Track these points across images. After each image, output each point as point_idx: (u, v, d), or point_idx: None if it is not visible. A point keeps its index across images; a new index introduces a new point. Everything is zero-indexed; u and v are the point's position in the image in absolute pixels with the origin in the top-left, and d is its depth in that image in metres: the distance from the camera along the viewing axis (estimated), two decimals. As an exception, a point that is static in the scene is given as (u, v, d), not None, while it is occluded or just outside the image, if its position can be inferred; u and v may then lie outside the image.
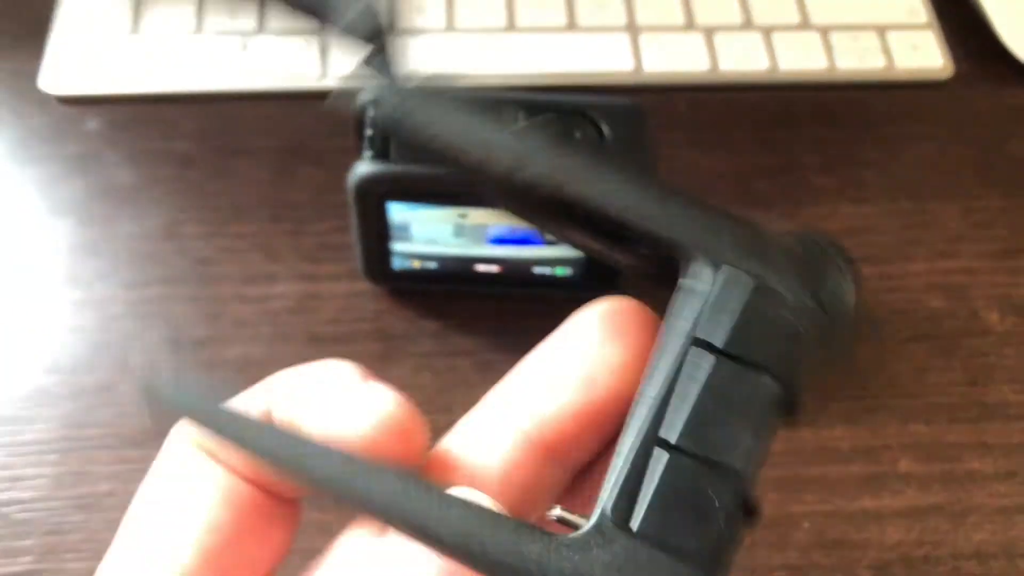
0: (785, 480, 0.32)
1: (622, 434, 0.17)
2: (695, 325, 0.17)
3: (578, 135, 0.30)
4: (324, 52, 0.40)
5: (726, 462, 0.16)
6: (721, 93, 0.41)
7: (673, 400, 0.17)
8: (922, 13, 0.43)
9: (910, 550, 0.31)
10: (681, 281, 0.18)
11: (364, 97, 0.31)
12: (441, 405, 0.32)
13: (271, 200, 0.38)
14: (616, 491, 0.16)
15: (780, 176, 0.39)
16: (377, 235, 0.32)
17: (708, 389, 0.16)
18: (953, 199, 0.39)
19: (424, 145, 0.18)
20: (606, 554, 0.16)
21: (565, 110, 0.31)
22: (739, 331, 0.17)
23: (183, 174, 0.38)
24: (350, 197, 0.30)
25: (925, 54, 0.42)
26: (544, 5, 0.42)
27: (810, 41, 0.42)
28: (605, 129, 0.31)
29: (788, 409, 0.17)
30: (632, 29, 0.42)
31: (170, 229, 0.37)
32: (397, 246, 0.33)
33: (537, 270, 0.34)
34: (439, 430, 0.17)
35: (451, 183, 0.29)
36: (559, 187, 0.17)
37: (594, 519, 0.16)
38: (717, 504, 0.16)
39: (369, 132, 0.30)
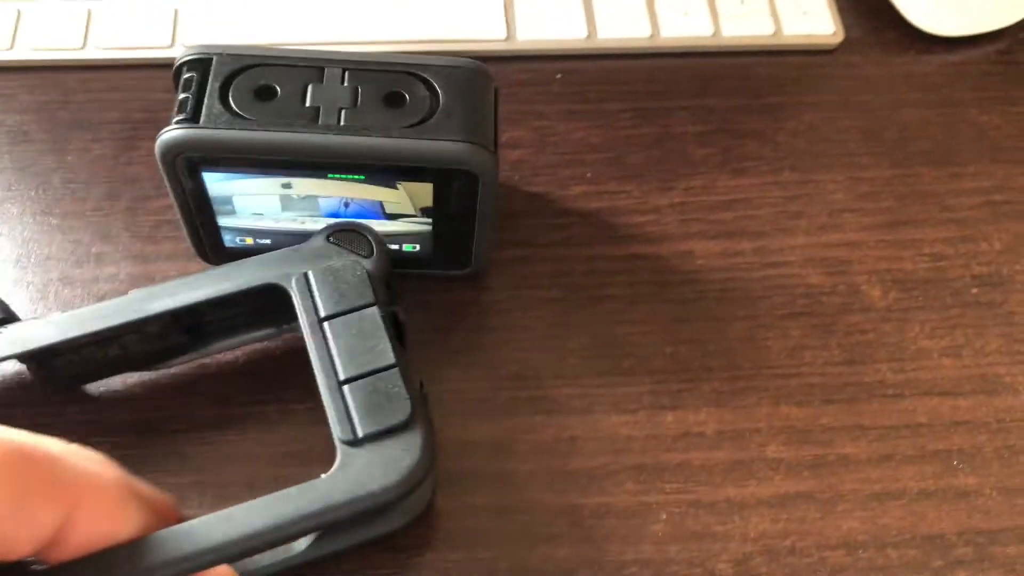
0: (643, 468, 0.30)
1: (320, 392, 0.26)
2: (312, 313, 0.27)
3: (408, 96, 0.28)
4: (174, 20, 0.38)
5: (381, 365, 0.26)
6: (599, 61, 0.39)
7: (331, 358, 0.26)
8: (814, -22, 0.41)
9: (774, 541, 0.29)
10: (293, 299, 0.27)
11: (179, 58, 0.29)
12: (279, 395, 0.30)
13: (109, 176, 0.35)
14: (337, 428, 0.25)
15: (656, 147, 0.37)
16: (198, 209, 0.29)
17: (339, 340, 0.26)
18: (839, 170, 0.37)
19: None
20: (354, 468, 0.24)
21: (395, 70, 0.28)
22: (330, 300, 0.27)
23: (13, 150, 0.36)
24: (160, 167, 0.28)
25: (815, 20, 0.40)
26: (414, -31, 0.40)
27: (696, 7, 0.40)
28: (439, 90, 0.28)
29: (392, 318, 0.27)
30: (507, -6, 0.40)
31: (-5, 208, 0.34)
32: (223, 221, 0.30)
33: (383, 247, 0.31)
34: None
35: (266, 148, 0.27)
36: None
37: (338, 452, 0.25)
38: (395, 388, 0.25)
39: (180, 96, 0.28)
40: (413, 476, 0.24)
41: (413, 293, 0.33)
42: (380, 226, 0.30)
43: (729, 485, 0.30)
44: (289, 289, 0.27)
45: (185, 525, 0.23)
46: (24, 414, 0.29)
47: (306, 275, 0.27)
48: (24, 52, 0.37)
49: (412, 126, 0.27)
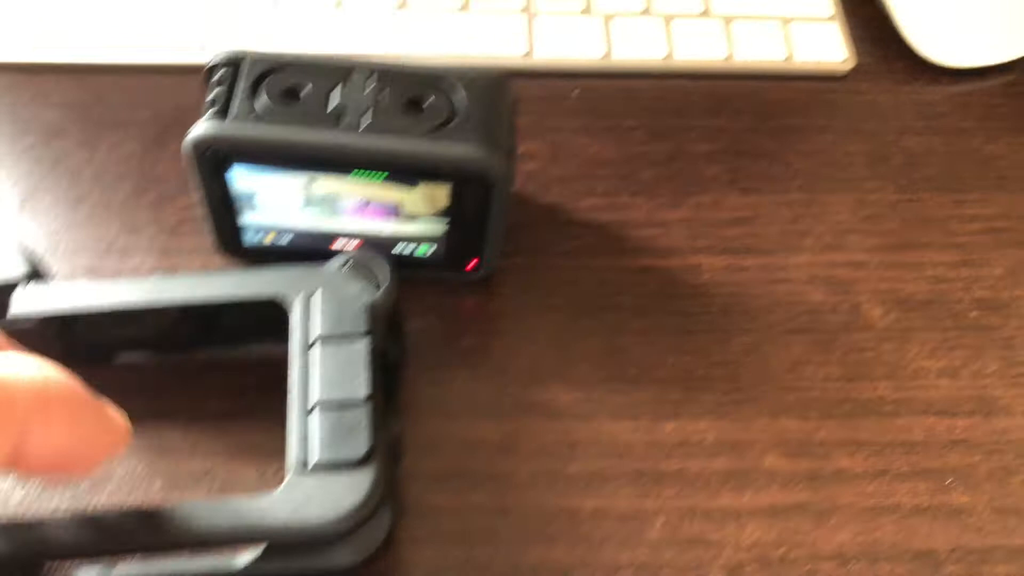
0: (642, 473, 0.31)
1: (287, 418, 0.26)
2: (304, 333, 0.27)
3: (427, 103, 0.29)
4: (208, 27, 0.39)
5: (355, 396, 0.25)
6: (615, 80, 0.40)
7: (308, 381, 0.26)
8: (828, 6, 0.42)
9: (767, 550, 0.30)
10: (290, 317, 0.27)
11: (210, 60, 0.30)
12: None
13: (137, 172, 0.36)
14: (293, 450, 0.25)
15: (667, 164, 0.38)
16: (222, 204, 0.31)
17: (322, 365, 0.26)
18: (845, 192, 0.38)
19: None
20: (297, 494, 0.24)
21: (419, 77, 0.30)
22: (324, 324, 0.27)
23: (49, 143, 0.37)
24: (187, 161, 0.29)
25: (827, 47, 0.41)
26: (439, -14, 0.41)
27: (711, 30, 0.41)
28: (457, 98, 0.29)
29: (382, 353, 0.27)
30: (528, 12, 0.41)
31: (27, 198, 0.35)
32: (246, 218, 0.31)
33: (398, 248, 0.32)
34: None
35: (289, 145, 0.28)
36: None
37: (287, 474, 0.25)
38: (360, 423, 0.25)
39: (212, 93, 0.29)
40: (353, 516, 0.24)
41: (426, 296, 0.34)
42: (399, 225, 0.31)
43: (726, 493, 0.31)
44: (289, 305, 0.27)
45: (114, 512, 0.23)
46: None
47: (310, 295, 0.27)
48: (62, 54, 0.39)
49: (432, 130, 0.29)
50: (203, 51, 0.38)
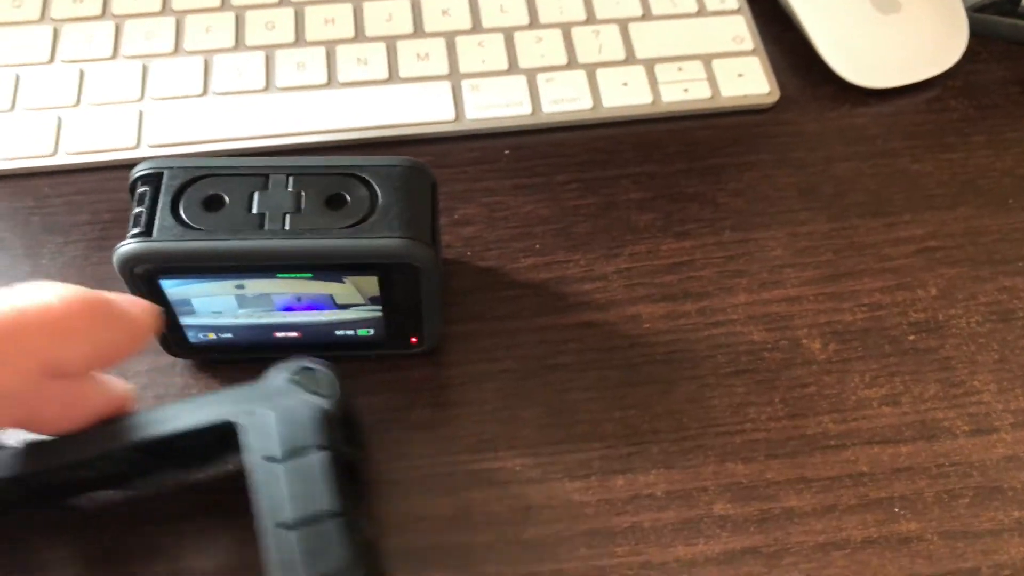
0: (595, 532, 0.31)
1: (259, 534, 0.26)
2: (261, 453, 0.27)
3: (349, 198, 0.30)
4: (139, 123, 0.40)
5: (324, 510, 0.26)
6: (545, 135, 0.41)
7: (273, 500, 0.26)
8: (748, 40, 0.43)
9: (723, 597, 0.30)
10: (242, 439, 0.27)
11: (133, 173, 0.31)
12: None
13: (80, 277, 0.37)
14: (277, 570, 0.25)
15: (602, 216, 0.39)
16: (162, 310, 0.31)
17: (283, 482, 0.26)
18: (778, 226, 0.38)
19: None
20: None
21: (336, 173, 0.30)
22: (280, 440, 0.27)
23: (-9, 258, 0.38)
24: (119, 275, 0.30)
25: (750, 81, 0.42)
26: (366, 59, 0.42)
27: (635, 76, 0.42)
28: (378, 189, 0.30)
29: (342, 457, 0.27)
30: (454, 77, 0.41)
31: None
32: (185, 320, 0.32)
33: (339, 332, 0.33)
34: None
35: (215, 256, 0.29)
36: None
37: None
38: (335, 535, 0.25)
39: (135, 210, 0.30)
40: None
41: (372, 374, 0.34)
42: (336, 314, 0.32)
43: (678, 544, 0.31)
44: (241, 427, 0.27)
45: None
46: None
47: (260, 414, 0.27)
48: (-1, 162, 0.39)
49: (352, 225, 0.29)
50: (136, 148, 0.39)
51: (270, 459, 0.26)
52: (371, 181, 0.30)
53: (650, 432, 0.33)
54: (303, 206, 0.29)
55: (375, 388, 0.34)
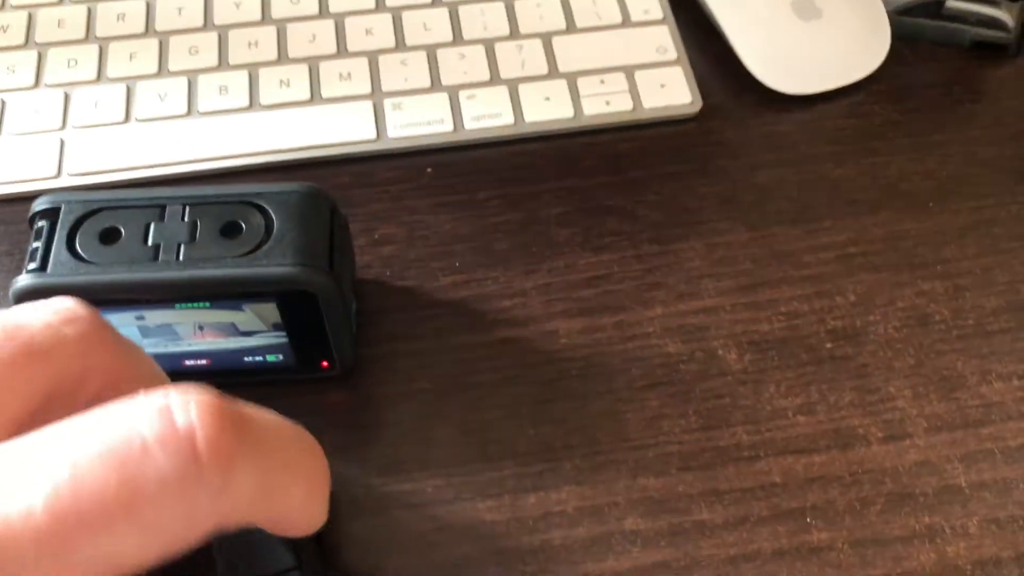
0: (505, 552, 0.31)
1: None
2: None
3: (245, 226, 0.30)
4: (60, 151, 0.40)
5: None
6: (467, 152, 0.41)
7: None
8: (671, 50, 0.43)
9: (632, 613, 0.30)
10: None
11: (32, 209, 0.31)
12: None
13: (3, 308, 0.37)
14: None
15: (522, 232, 0.39)
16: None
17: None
18: (696, 237, 0.39)
19: None
20: None
21: (232, 201, 0.30)
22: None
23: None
24: (18, 312, 0.30)
25: (673, 91, 0.42)
26: (288, 80, 0.42)
27: (557, 90, 0.42)
28: (273, 215, 0.30)
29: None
30: (376, 96, 0.42)
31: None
32: (92, 352, 0.32)
33: (248, 359, 0.33)
34: None
35: (107, 289, 0.29)
36: None
37: None
38: None
39: (32, 246, 0.30)
40: None
41: (285, 398, 0.34)
42: (238, 342, 0.32)
43: (588, 562, 0.31)
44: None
45: None
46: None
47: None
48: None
49: (247, 254, 0.29)
50: (58, 177, 0.39)
51: None
52: (267, 208, 0.30)
53: (563, 448, 0.33)
54: (198, 236, 0.30)
55: (288, 413, 0.33)
